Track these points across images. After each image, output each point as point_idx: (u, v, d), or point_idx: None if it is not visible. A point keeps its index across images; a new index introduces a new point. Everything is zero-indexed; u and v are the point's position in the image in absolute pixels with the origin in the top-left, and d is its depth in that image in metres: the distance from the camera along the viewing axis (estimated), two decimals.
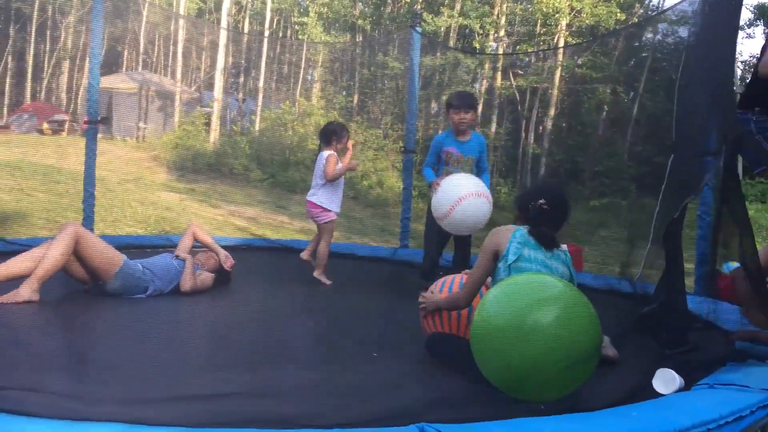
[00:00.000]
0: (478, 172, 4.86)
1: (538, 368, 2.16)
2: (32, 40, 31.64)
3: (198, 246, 4.77)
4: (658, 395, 2.38)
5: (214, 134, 21.40)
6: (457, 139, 4.86)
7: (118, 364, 2.60)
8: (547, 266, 2.66)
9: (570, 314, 2.20)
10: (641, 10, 22.95)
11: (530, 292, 2.29)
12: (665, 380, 2.44)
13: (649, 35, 22.03)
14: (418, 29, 7.05)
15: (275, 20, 29.97)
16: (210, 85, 25.02)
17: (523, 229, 2.72)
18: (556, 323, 2.17)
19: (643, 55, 22.05)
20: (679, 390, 2.40)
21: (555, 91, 20.31)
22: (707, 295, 4.54)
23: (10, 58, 32.50)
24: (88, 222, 5.92)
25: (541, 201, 2.77)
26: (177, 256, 4.34)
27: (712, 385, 2.37)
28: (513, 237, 2.67)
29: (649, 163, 16.44)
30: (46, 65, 32.38)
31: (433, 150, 4.94)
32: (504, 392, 2.28)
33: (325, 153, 5.15)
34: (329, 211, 5.13)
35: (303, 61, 25.33)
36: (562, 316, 2.18)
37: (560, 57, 20.58)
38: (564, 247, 2.80)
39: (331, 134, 5.22)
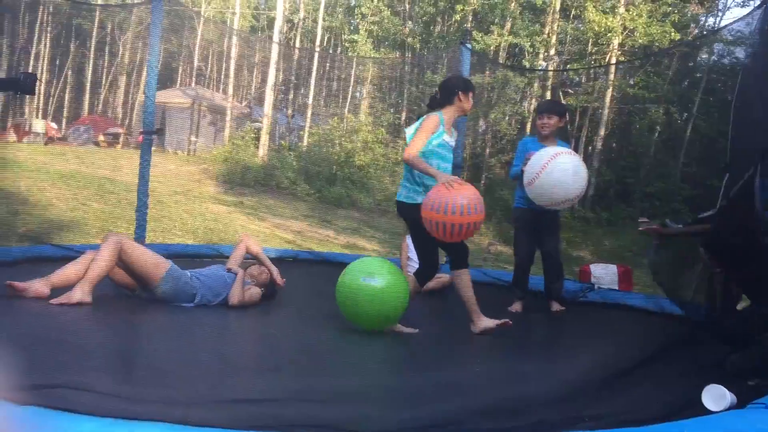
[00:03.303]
0: None
1: (369, 310, 3.64)
2: (91, 55, 32.72)
3: (249, 258, 4.80)
4: (708, 411, 2.29)
5: (263, 149, 21.71)
6: (541, 144, 4.80)
7: (165, 366, 2.63)
8: (449, 149, 3.92)
9: (388, 284, 3.64)
10: (696, 30, 22.53)
11: (368, 269, 3.75)
12: (715, 397, 2.34)
13: (704, 55, 21.61)
14: (468, 45, 7.04)
15: (326, 38, 30.39)
16: (260, 101, 25.44)
17: (442, 116, 3.88)
18: (381, 288, 3.61)
19: (698, 75, 21.63)
20: (730, 408, 2.30)
21: (606, 111, 20.02)
22: None
23: (69, 73, 33.65)
24: (141, 231, 6.02)
25: (436, 90, 4.02)
26: (230, 269, 4.38)
27: None
28: (440, 122, 3.83)
29: (703, 185, 16.09)
30: (103, 80, 33.41)
31: (519, 152, 4.93)
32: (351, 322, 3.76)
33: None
34: None
35: (352, 78, 25.59)
36: (384, 285, 3.62)
37: (611, 77, 20.30)
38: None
39: None
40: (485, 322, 3.79)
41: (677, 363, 3.07)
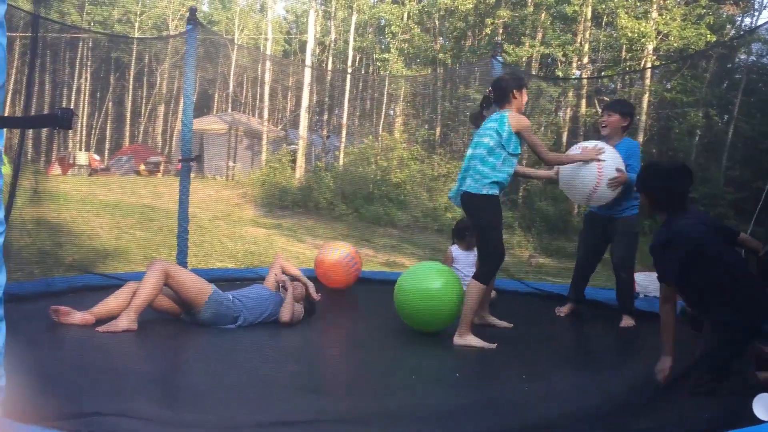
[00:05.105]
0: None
1: (425, 313, 3.99)
2: (130, 86, 33.58)
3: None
4: (759, 421, 2.22)
5: (300, 171, 21.90)
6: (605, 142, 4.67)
7: (210, 391, 2.64)
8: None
9: (446, 285, 4.00)
10: (732, 31, 22.10)
11: (426, 272, 4.20)
12: (767, 405, 2.27)
13: (743, 56, 21.19)
14: (499, 58, 7.02)
15: (357, 58, 30.63)
16: (295, 124, 25.71)
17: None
18: (439, 289, 3.97)
19: (737, 76, 21.21)
20: None
21: (643, 117, 19.70)
22: None
23: (110, 105, 34.54)
24: (182, 256, 6.09)
25: (488, 89, 4.23)
26: (282, 283, 4.44)
27: None
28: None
29: (748, 188, 15.69)
30: (143, 110, 34.22)
31: None
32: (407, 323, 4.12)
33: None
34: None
35: (385, 96, 25.72)
36: (442, 286, 3.98)
37: (647, 82, 19.99)
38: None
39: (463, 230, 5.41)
40: (471, 339, 3.84)
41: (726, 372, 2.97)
